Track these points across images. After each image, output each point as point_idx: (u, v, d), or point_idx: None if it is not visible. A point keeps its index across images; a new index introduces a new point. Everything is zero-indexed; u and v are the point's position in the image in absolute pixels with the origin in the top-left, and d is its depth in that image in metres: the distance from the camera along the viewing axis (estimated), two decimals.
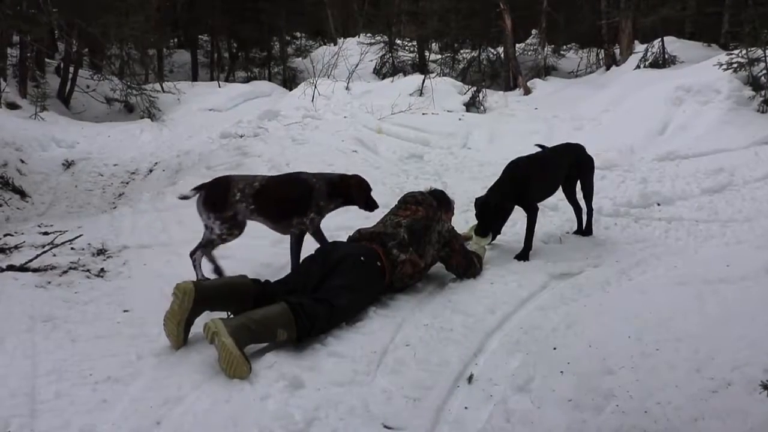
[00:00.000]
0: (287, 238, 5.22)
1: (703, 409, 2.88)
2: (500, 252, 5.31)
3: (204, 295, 3.68)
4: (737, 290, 4.09)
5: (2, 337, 3.69)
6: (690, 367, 3.22)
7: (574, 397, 3.04)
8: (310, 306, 3.63)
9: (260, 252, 5.16)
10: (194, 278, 3.76)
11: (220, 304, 3.75)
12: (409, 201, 4.79)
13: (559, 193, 6.43)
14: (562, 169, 5.57)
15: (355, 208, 5.05)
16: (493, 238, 5.40)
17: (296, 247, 4.84)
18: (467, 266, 4.69)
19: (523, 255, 5.09)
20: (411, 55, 19.81)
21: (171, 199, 6.89)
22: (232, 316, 3.72)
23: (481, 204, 5.19)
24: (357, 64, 15.05)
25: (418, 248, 4.41)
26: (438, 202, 4.89)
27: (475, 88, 12.75)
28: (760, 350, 3.26)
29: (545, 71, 16.39)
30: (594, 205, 5.92)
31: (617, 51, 14.86)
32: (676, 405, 2.92)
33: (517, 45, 16.84)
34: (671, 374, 3.18)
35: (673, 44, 12.73)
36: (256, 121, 10.96)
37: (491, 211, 5.17)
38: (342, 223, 5.85)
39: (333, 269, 4.00)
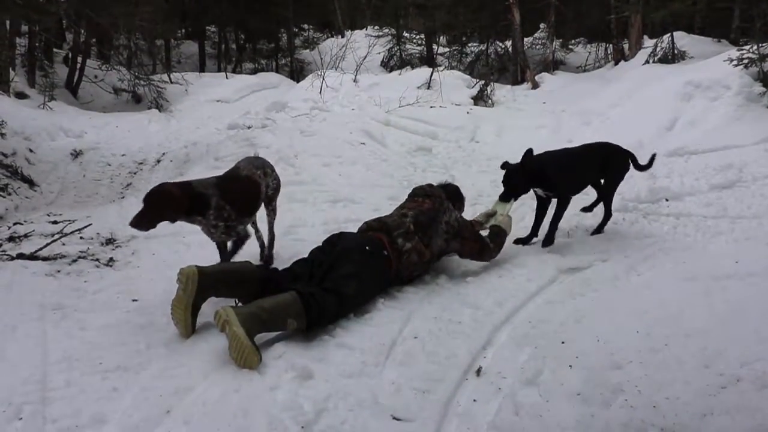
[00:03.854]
0: (295, 229, 5.26)
1: (712, 405, 2.88)
2: (506, 246, 5.29)
3: (208, 279, 3.70)
4: (746, 286, 4.08)
5: (14, 326, 3.73)
6: (698, 362, 3.22)
7: (582, 391, 3.04)
8: (320, 296, 3.65)
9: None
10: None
11: (225, 289, 3.77)
12: (418, 194, 4.81)
13: None
14: (594, 167, 5.49)
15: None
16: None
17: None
18: (481, 250, 4.72)
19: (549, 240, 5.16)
20: (419, 47, 19.80)
21: None
22: (239, 303, 3.75)
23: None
24: (365, 57, 15.04)
25: (423, 238, 4.40)
26: (447, 194, 4.89)
27: (483, 82, 12.72)
28: None
29: (553, 65, 16.36)
30: None
31: (626, 46, 14.81)
32: (685, 400, 2.93)
33: (526, 39, 16.81)
34: (680, 369, 3.18)
35: (682, 39, 12.67)
36: (263, 112, 10.98)
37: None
38: (348, 216, 5.87)
39: (339, 259, 4.01)
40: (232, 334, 3.27)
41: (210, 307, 3.69)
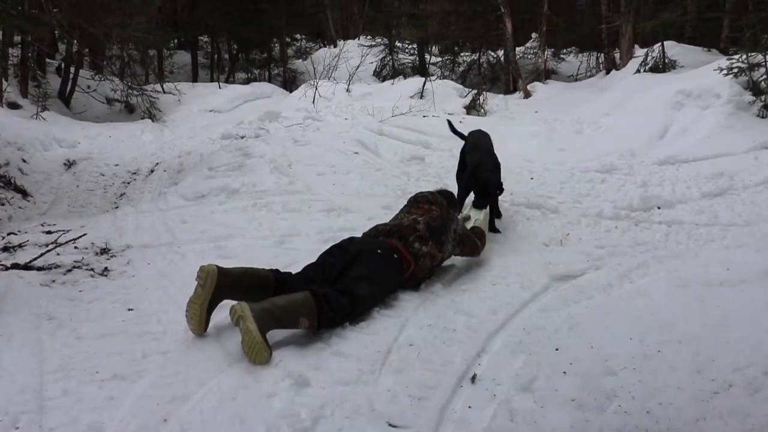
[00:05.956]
0: (289, 238, 5.24)
1: (705, 410, 2.91)
2: (500, 253, 5.33)
3: (227, 279, 3.76)
4: (737, 293, 4.11)
5: (9, 335, 3.72)
6: (691, 368, 3.25)
7: (577, 397, 3.07)
8: (333, 296, 3.74)
9: (264, 252, 5.19)
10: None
11: (241, 291, 3.82)
12: (421, 201, 5.01)
13: (560, 197, 6.53)
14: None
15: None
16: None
17: None
18: (474, 250, 5.02)
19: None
20: (411, 57, 19.87)
21: (173, 199, 6.92)
22: None
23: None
24: (357, 66, 15.10)
25: (436, 243, 4.59)
26: (447, 201, 5.11)
27: (475, 91, 12.78)
28: (761, 352, 3.29)
29: (545, 75, 16.44)
30: (595, 208, 6.05)
31: (617, 55, 14.91)
32: (678, 406, 2.95)
33: (518, 48, 16.90)
34: (673, 375, 3.21)
35: (673, 49, 12.78)
36: (257, 122, 10.99)
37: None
38: (343, 224, 5.89)
39: (351, 262, 4.11)
40: (245, 328, 3.36)
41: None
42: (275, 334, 3.61)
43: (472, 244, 5.01)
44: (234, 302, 3.56)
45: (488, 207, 5.75)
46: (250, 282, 3.90)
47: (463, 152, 6.55)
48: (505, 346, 3.71)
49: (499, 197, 5.94)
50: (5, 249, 5.41)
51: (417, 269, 4.43)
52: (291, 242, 5.56)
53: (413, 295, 4.37)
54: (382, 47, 19.90)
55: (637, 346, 3.54)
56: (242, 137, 9.98)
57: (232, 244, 5.51)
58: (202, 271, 3.75)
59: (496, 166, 5.99)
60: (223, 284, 3.74)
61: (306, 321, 3.61)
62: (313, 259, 4.34)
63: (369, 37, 21.16)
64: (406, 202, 5.18)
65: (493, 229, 5.76)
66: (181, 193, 7.07)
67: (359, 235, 4.78)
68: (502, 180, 5.90)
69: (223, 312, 3.77)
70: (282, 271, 4.13)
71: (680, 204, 6.23)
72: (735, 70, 8.50)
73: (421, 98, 12.46)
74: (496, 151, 6.32)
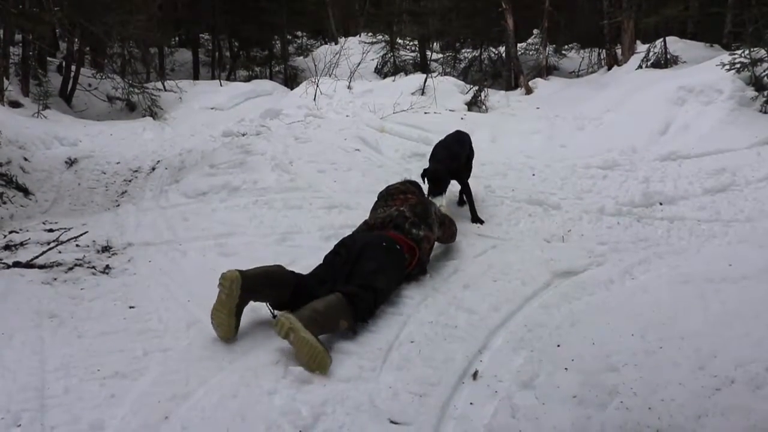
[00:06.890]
0: (291, 235, 5.23)
1: (707, 406, 2.90)
2: (502, 250, 5.33)
3: (249, 283, 3.74)
4: (739, 289, 4.10)
5: (11, 333, 3.73)
6: (693, 364, 3.24)
7: (578, 394, 3.06)
8: (362, 294, 3.78)
9: (266, 250, 5.19)
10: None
11: (263, 293, 3.83)
12: (394, 192, 5.22)
13: (561, 193, 6.51)
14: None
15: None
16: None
17: None
18: (453, 234, 5.28)
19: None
20: (412, 54, 19.83)
21: (174, 197, 6.92)
22: (269, 305, 3.89)
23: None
24: (358, 63, 15.06)
25: (426, 226, 4.71)
26: (416, 188, 5.39)
27: (476, 88, 12.74)
28: (763, 348, 3.29)
29: (547, 71, 16.39)
30: (597, 205, 6.04)
31: (619, 51, 14.86)
32: (680, 402, 2.95)
33: (519, 44, 16.85)
34: (674, 371, 3.20)
35: (675, 44, 12.73)
36: (258, 119, 10.99)
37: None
38: (344, 221, 5.88)
39: (359, 258, 4.13)
40: (301, 340, 3.32)
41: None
42: (273, 333, 3.59)
43: (450, 225, 5.21)
44: (257, 303, 3.71)
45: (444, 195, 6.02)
46: (271, 282, 3.89)
47: None
48: (506, 342, 3.71)
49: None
50: (7, 247, 5.41)
51: (421, 253, 4.52)
52: (292, 239, 5.57)
53: (415, 292, 4.37)
54: (383, 44, 19.88)
55: (638, 343, 3.53)
56: (243, 135, 9.97)
57: (233, 242, 5.51)
58: (224, 278, 3.70)
59: (452, 158, 6.35)
60: (249, 288, 3.73)
61: (345, 322, 3.64)
62: (315, 257, 4.36)
63: (370, 34, 21.15)
64: (377, 199, 5.30)
65: (476, 219, 6.07)
66: (182, 190, 7.06)
67: None
68: (461, 173, 6.37)
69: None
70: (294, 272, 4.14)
71: (682, 200, 6.22)
72: (737, 66, 8.48)
73: (422, 95, 12.41)
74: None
